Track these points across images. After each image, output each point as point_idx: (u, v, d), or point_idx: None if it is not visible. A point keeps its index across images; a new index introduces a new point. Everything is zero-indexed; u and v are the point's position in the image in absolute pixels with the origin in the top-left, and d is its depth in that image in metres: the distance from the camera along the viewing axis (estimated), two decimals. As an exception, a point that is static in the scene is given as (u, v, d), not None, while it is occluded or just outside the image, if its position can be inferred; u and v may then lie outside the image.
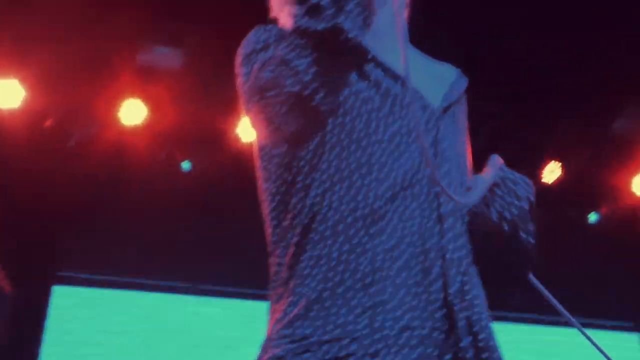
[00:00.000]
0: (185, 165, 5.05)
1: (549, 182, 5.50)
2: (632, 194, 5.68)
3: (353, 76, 1.33)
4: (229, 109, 4.60)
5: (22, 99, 4.43)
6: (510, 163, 1.44)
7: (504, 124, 5.03)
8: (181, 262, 4.96)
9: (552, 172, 5.48)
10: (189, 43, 4.50)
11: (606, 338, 5.67)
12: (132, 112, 4.67)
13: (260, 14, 1.46)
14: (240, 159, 4.65)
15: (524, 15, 4.18)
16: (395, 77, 1.35)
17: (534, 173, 5.48)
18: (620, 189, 5.72)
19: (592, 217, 5.88)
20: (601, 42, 4.35)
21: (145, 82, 4.58)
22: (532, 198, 1.39)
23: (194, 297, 5.15)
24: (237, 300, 5.17)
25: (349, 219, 1.26)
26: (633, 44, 4.39)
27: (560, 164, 5.47)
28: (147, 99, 4.66)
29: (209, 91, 4.52)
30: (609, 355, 1.52)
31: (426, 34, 1.65)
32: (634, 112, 5.31)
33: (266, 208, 1.37)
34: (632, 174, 5.65)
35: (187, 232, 4.96)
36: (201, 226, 4.99)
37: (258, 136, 1.41)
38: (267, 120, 1.30)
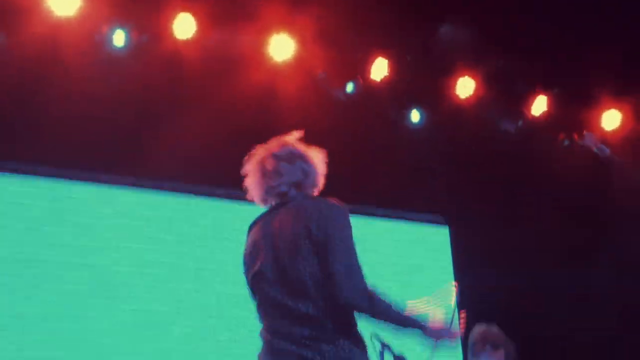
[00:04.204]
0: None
1: (377, 79, 5.56)
2: (455, 96, 5.86)
3: None
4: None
5: None
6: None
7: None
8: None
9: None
10: None
11: (418, 230, 5.91)
12: None
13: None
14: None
15: None
16: None
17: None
18: (443, 91, 5.87)
19: (415, 117, 5.99)
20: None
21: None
22: None
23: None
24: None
25: None
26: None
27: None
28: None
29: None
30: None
31: None
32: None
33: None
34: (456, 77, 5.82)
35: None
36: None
37: None
38: None
